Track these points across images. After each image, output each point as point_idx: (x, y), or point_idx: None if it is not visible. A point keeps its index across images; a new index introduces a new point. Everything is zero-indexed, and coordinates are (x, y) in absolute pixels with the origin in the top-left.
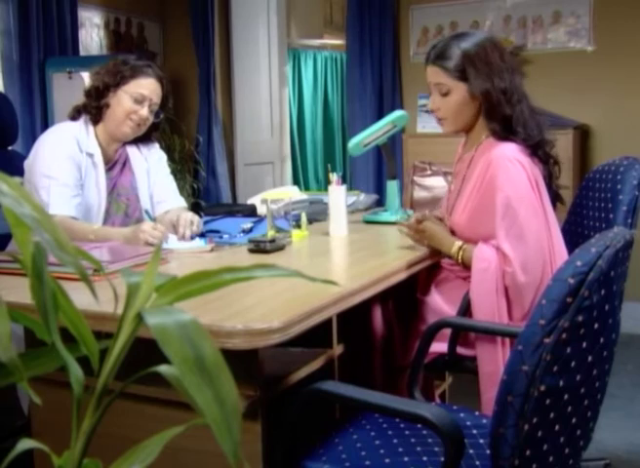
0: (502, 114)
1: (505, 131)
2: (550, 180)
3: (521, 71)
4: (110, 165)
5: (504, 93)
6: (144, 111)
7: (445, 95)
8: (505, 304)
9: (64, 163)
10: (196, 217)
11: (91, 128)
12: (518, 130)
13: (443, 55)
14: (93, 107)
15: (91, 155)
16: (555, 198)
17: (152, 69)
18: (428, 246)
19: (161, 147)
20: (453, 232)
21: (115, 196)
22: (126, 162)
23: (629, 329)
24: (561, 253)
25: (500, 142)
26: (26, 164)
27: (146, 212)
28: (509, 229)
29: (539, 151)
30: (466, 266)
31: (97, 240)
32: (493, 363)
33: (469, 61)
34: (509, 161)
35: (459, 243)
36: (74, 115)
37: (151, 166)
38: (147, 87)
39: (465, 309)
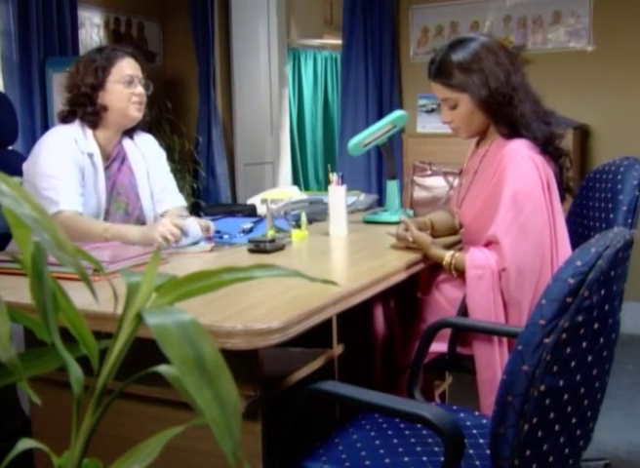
0: (506, 117)
1: (513, 131)
2: (562, 175)
3: (522, 71)
4: (108, 162)
5: (504, 96)
6: (139, 88)
7: (453, 107)
8: (502, 309)
9: (68, 163)
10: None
11: (88, 129)
12: (523, 132)
13: (441, 71)
14: (89, 114)
15: (90, 155)
16: (566, 190)
17: (120, 50)
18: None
19: (160, 146)
20: (461, 225)
21: (115, 195)
22: (124, 159)
23: (629, 329)
24: (566, 255)
25: (514, 139)
26: (26, 167)
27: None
28: (513, 222)
29: (549, 148)
30: (461, 274)
31: (112, 238)
32: (491, 368)
33: (464, 73)
34: (522, 158)
35: (448, 254)
36: (66, 119)
37: (150, 164)
38: (128, 66)
39: (465, 310)
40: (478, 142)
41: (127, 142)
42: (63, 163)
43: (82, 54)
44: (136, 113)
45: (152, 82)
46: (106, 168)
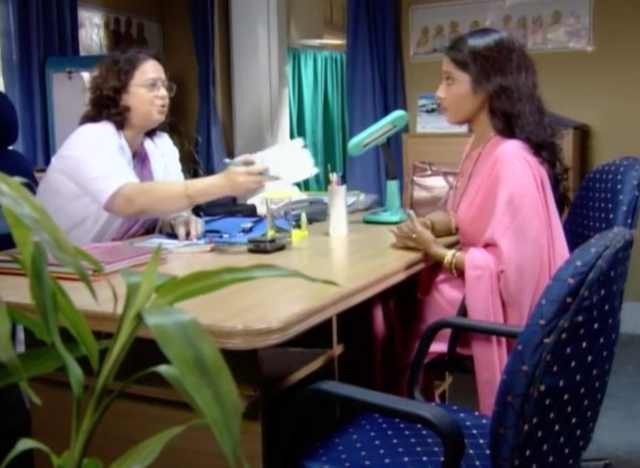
0: (502, 111)
1: (507, 128)
2: (556, 182)
3: (534, 78)
4: (134, 163)
5: (504, 90)
6: (162, 91)
7: (450, 84)
8: (501, 309)
9: (114, 149)
10: (200, 221)
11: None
12: (516, 129)
13: (454, 46)
14: (113, 115)
15: (124, 152)
16: (562, 200)
17: (144, 52)
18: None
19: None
20: (457, 229)
21: None
22: (145, 159)
23: (629, 329)
24: (562, 254)
25: (507, 140)
26: (66, 162)
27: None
28: (510, 225)
29: (542, 152)
30: (461, 274)
31: (195, 196)
32: (490, 369)
33: (473, 58)
34: (516, 158)
35: (450, 253)
36: (95, 118)
37: (167, 162)
38: (151, 69)
39: (464, 311)
40: (472, 142)
41: (148, 143)
42: (110, 149)
43: (106, 54)
44: (158, 116)
45: None
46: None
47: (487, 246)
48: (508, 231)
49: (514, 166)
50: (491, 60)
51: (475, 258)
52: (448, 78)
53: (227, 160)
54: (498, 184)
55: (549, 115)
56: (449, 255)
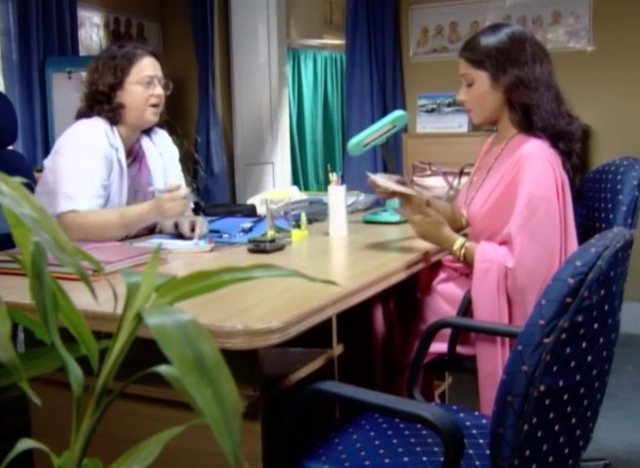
0: (520, 103)
1: (525, 120)
2: (573, 175)
3: (549, 68)
4: (129, 161)
5: (521, 81)
6: (158, 89)
7: (470, 85)
8: (506, 306)
9: (95, 160)
10: (205, 222)
11: (112, 124)
12: (533, 118)
13: (468, 47)
14: (106, 111)
15: (116, 150)
16: (577, 196)
17: (142, 48)
18: (423, 238)
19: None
20: (467, 223)
21: (132, 193)
22: (142, 158)
23: (629, 329)
24: None
25: (530, 138)
26: (46, 162)
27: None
28: (525, 224)
29: (559, 143)
30: (468, 264)
31: (129, 223)
32: (492, 363)
33: (487, 54)
34: (540, 159)
35: (461, 240)
36: (88, 114)
37: (166, 161)
38: (148, 66)
39: (465, 309)
40: (494, 139)
41: (145, 141)
42: (90, 159)
43: (103, 49)
44: (152, 117)
45: None
46: (128, 166)
47: (504, 243)
48: (524, 230)
49: (537, 167)
50: (505, 54)
51: (486, 252)
52: (466, 80)
53: (154, 188)
54: (519, 184)
55: (567, 103)
56: (459, 243)
